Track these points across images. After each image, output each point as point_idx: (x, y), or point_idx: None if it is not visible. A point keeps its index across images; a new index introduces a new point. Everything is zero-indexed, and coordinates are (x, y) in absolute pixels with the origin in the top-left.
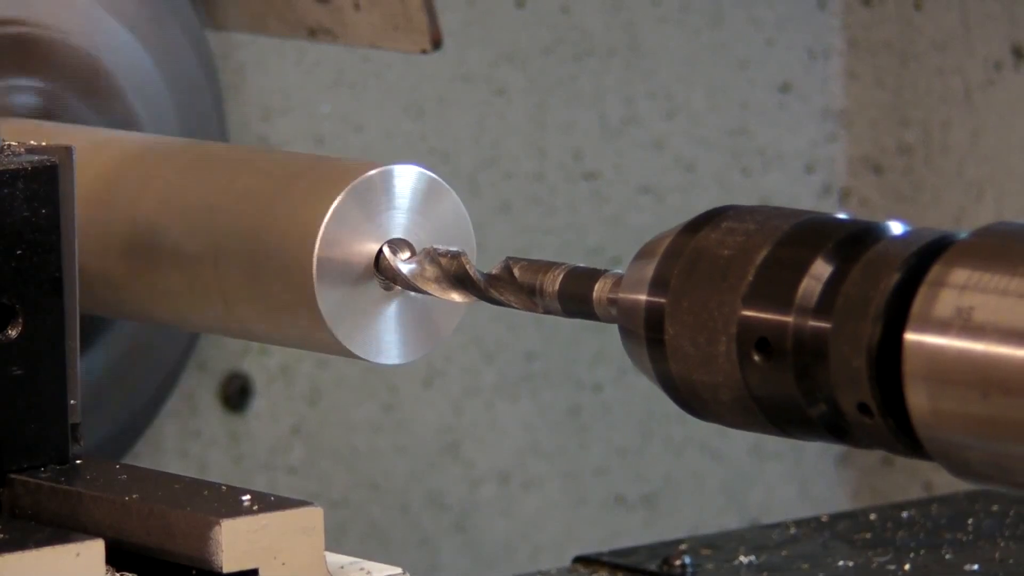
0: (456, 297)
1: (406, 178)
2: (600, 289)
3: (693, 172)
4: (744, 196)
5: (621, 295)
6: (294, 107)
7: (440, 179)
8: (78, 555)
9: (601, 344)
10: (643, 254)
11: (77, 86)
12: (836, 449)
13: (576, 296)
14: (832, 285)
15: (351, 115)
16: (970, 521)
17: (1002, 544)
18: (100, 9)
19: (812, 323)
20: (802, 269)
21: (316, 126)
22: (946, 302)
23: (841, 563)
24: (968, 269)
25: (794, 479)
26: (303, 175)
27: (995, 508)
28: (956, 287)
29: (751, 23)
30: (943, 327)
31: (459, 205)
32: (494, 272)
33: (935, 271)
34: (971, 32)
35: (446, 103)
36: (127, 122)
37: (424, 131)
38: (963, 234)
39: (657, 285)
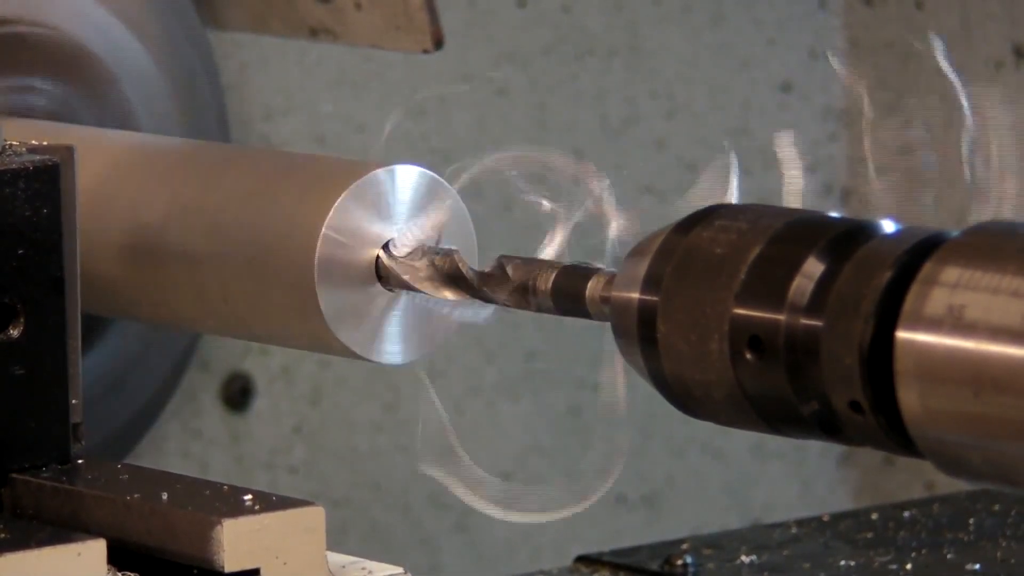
0: (449, 295)
1: (407, 178)
2: (593, 287)
3: (694, 172)
4: (745, 196)
5: (614, 293)
6: (295, 107)
7: (441, 179)
8: (79, 555)
9: (602, 344)
10: (636, 252)
11: (78, 86)
12: (838, 449)
13: (569, 294)
14: (824, 283)
15: (352, 115)
16: (972, 521)
17: (1004, 544)
18: (101, 9)
19: (804, 321)
20: (794, 267)
21: (317, 126)
22: (938, 300)
23: (843, 563)
24: (960, 267)
25: (796, 479)
26: (304, 175)
27: (997, 508)
28: (948, 285)
29: (752, 23)
30: (935, 325)
31: (460, 205)
32: (487, 270)
33: (927, 269)
34: (972, 32)
35: (447, 103)
36: (128, 122)
37: (425, 131)
38: (955, 232)
39: (650, 283)
